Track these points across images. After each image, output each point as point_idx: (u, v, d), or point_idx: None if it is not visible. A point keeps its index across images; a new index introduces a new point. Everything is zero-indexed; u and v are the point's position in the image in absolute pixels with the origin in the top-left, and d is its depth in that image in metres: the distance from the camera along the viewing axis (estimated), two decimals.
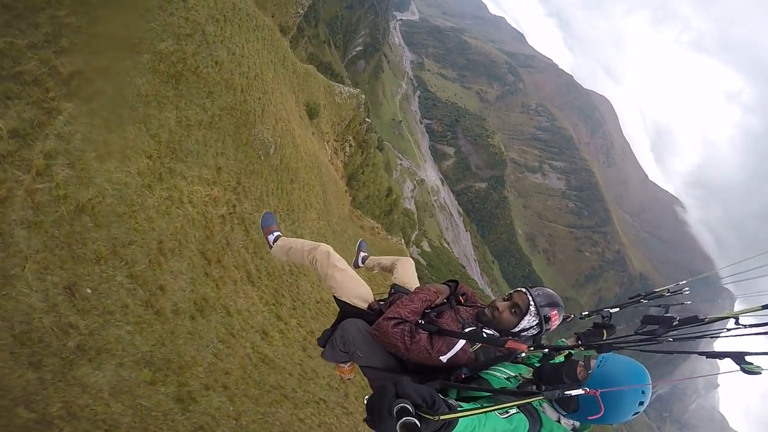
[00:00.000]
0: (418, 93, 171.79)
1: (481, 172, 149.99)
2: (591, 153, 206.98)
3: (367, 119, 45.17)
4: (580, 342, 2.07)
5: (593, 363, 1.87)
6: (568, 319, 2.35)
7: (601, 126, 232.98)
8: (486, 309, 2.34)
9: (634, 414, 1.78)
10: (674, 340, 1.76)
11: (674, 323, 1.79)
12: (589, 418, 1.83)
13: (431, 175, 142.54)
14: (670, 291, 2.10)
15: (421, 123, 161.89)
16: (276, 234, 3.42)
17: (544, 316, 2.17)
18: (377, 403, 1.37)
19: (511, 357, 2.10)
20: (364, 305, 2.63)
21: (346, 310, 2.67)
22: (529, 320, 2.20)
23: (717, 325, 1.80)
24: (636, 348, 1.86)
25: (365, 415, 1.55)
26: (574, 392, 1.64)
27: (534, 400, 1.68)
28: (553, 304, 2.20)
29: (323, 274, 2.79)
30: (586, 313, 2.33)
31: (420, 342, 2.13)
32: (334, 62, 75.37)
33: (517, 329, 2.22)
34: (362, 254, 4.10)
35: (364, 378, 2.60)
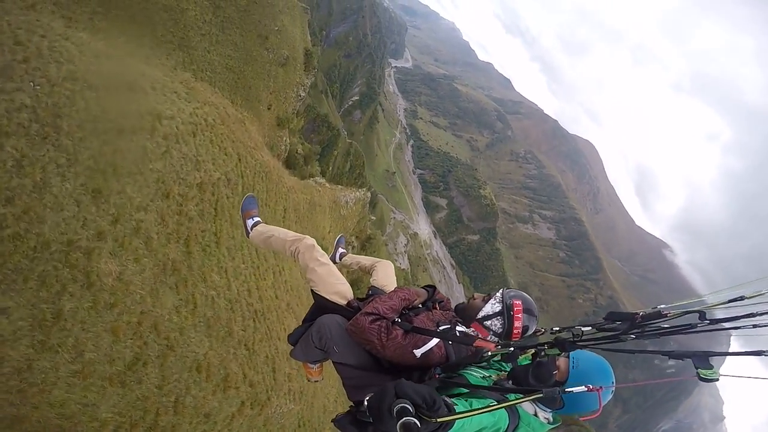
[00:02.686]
0: (411, 142, 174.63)
1: (473, 224, 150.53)
2: (579, 200, 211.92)
3: (372, 217, 44.21)
4: (545, 343, 2.09)
5: (564, 362, 1.91)
6: (540, 333, 2.39)
7: (587, 171, 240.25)
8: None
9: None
10: (636, 337, 1.75)
11: (637, 320, 1.80)
12: (589, 413, 1.83)
13: (424, 228, 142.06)
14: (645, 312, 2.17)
15: (414, 173, 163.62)
16: (255, 219, 3.39)
17: (507, 303, 2.29)
18: (377, 403, 1.37)
19: (479, 356, 2.17)
20: (343, 302, 2.62)
21: (323, 306, 2.64)
22: (493, 305, 2.35)
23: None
24: (598, 347, 1.88)
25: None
26: (576, 389, 1.63)
27: (533, 398, 1.68)
28: (520, 297, 2.31)
29: (304, 267, 2.79)
30: (557, 328, 2.34)
31: (396, 339, 2.16)
32: (331, 113, 75.74)
33: (481, 314, 2.36)
34: (340, 250, 4.03)
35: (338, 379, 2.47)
